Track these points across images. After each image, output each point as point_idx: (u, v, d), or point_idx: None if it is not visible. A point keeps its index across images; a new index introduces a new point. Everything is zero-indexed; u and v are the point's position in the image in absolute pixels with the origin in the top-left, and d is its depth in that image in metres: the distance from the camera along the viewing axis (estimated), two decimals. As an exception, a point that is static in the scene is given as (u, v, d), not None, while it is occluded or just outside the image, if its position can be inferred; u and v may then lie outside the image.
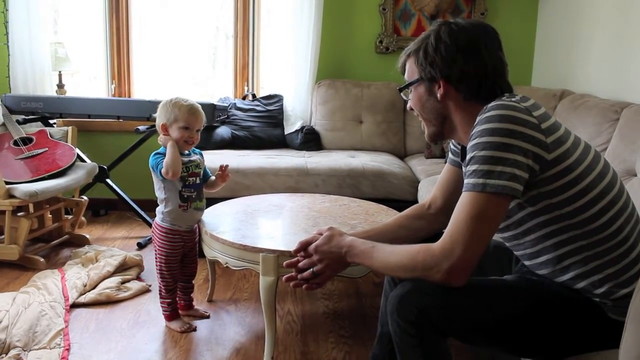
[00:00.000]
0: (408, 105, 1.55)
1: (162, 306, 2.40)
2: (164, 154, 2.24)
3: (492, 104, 1.30)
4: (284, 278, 1.57)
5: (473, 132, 1.30)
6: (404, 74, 1.54)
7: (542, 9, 4.02)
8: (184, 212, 2.31)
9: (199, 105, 2.31)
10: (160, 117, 2.29)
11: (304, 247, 1.55)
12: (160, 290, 2.39)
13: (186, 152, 2.32)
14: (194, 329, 2.38)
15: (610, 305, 1.31)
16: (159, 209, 2.34)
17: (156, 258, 2.37)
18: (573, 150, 1.29)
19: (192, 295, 2.52)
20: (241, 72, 4.21)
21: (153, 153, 2.28)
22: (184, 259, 2.42)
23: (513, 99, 1.31)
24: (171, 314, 2.40)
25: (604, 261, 1.30)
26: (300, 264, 1.54)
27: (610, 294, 1.30)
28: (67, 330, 2.31)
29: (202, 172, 2.38)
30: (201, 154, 2.43)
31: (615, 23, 3.02)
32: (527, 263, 1.44)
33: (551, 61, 3.85)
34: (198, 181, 2.34)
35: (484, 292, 1.34)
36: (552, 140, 1.27)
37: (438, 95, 1.43)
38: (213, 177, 2.43)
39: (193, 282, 2.51)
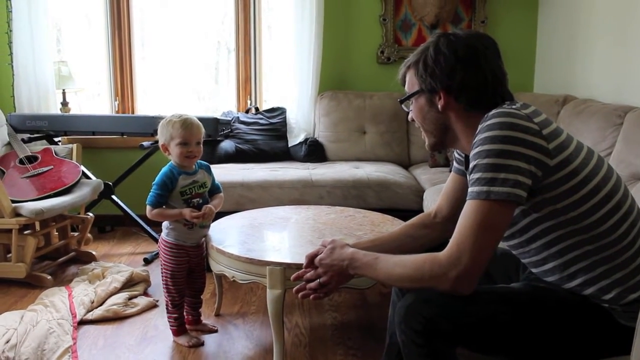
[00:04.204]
0: (409, 116, 1.55)
1: (169, 321, 2.40)
2: (168, 173, 2.25)
3: (493, 112, 1.31)
4: (294, 290, 1.57)
5: (475, 140, 1.30)
6: (404, 86, 1.55)
7: (542, 15, 4.03)
8: (188, 230, 2.31)
9: (194, 118, 2.29)
10: (160, 138, 2.29)
11: (311, 260, 1.56)
12: (167, 305, 2.38)
13: (190, 171, 2.30)
14: (202, 344, 2.37)
15: (620, 311, 1.30)
16: (165, 224, 2.34)
17: (162, 273, 2.36)
18: (576, 155, 1.29)
19: (200, 310, 2.51)
20: (244, 85, 4.23)
21: (164, 168, 2.28)
22: (191, 274, 2.41)
23: (514, 107, 1.32)
24: (178, 329, 2.39)
25: (611, 266, 1.30)
26: (306, 276, 1.55)
27: (620, 299, 1.30)
28: (75, 348, 2.31)
29: (207, 190, 2.37)
30: (208, 168, 2.42)
31: (616, 27, 3.02)
32: (534, 270, 1.43)
33: (553, 67, 3.86)
34: (202, 201, 2.33)
35: (492, 300, 1.33)
36: (554, 146, 1.27)
37: (439, 106, 1.43)
38: (220, 195, 2.44)
39: (201, 297, 2.50)
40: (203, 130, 2.32)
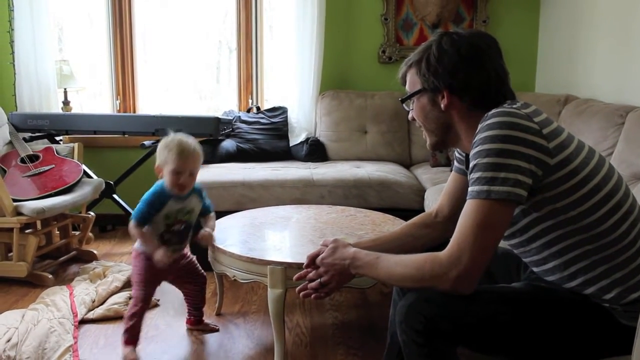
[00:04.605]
0: (410, 116, 1.55)
1: (125, 328, 2.24)
2: (159, 193, 2.18)
3: (493, 111, 1.30)
4: (297, 290, 1.57)
5: (475, 140, 1.30)
6: (404, 85, 1.54)
7: (544, 14, 4.02)
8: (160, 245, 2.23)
9: (194, 145, 2.18)
10: (157, 157, 2.19)
11: (312, 260, 1.56)
12: (129, 311, 2.25)
13: (182, 195, 2.21)
14: None
15: (621, 311, 1.30)
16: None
17: (132, 281, 2.28)
18: (576, 155, 1.29)
19: (202, 309, 2.51)
20: (245, 85, 4.23)
21: (155, 184, 2.21)
22: (177, 281, 2.41)
23: (514, 106, 1.32)
24: (130, 339, 2.23)
25: (611, 265, 1.30)
26: (308, 276, 1.55)
27: (620, 298, 1.30)
28: (76, 347, 2.31)
29: (193, 216, 2.30)
30: (200, 192, 2.32)
31: (618, 27, 3.01)
32: (535, 270, 1.43)
33: (554, 67, 3.85)
34: (183, 227, 2.26)
35: (493, 300, 1.33)
36: (554, 145, 1.27)
37: (442, 105, 1.43)
38: (212, 214, 2.38)
39: (204, 296, 2.49)
40: (201, 159, 2.22)
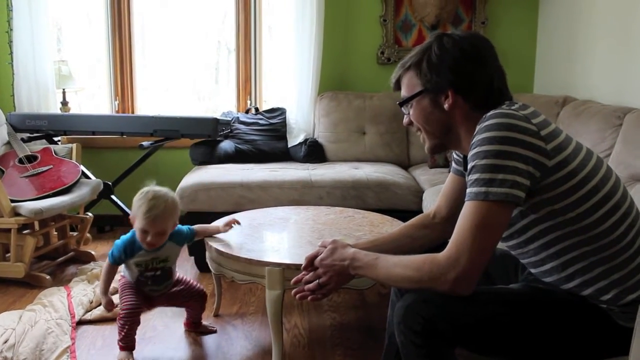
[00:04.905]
0: (405, 121, 1.53)
1: (119, 334, 2.20)
2: (129, 242, 2.17)
3: (491, 112, 1.31)
4: (292, 292, 1.57)
5: (473, 141, 1.30)
6: (397, 90, 1.53)
7: (543, 16, 4.03)
8: (139, 287, 2.26)
9: (166, 204, 2.12)
10: (132, 207, 2.16)
11: (311, 262, 1.55)
12: (118, 319, 2.21)
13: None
14: None
15: (618, 312, 1.30)
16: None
17: (119, 293, 2.28)
18: (574, 156, 1.29)
19: (201, 315, 2.50)
20: (244, 86, 4.23)
21: (130, 232, 2.20)
22: (173, 303, 2.41)
23: (512, 107, 1.32)
24: (126, 345, 2.21)
25: (609, 267, 1.30)
26: (305, 278, 1.54)
27: (618, 299, 1.30)
28: (73, 348, 2.31)
29: (169, 263, 2.27)
30: (177, 235, 2.26)
31: (616, 28, 3.02)
32: (533, 271, 1.43)
33: (553, 68, 3.86)
34: (160, 273, 2.25)
35: (491, 301, 1.33)
36: (552, 147, 1.27)
37: (446, 105, 1.42)
38: (196, 228, 2.34)
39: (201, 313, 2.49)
40: (175, 215, 2.18)
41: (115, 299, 2.32)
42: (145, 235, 2.13)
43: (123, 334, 2.19)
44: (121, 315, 2.20)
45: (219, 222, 2.41)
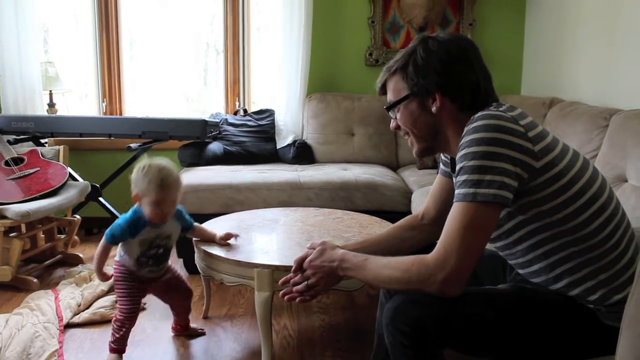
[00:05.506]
0: (393, 125, 1.52)
1: (112, 335, 2.21)
2: (134, 220, 2.11)
3: (479, 114, 1.31)
4: (280, 294, 1.57)
5: (461, 142, 1.31)
6: (383, 94, 1.52)
7: (530, 18, 4.05)
8: (136, 271, 2.22)
9: (173, 171, 2.11)
10: (134, 184, 2.12)
11: (300, 265, 1.55)
12: (114, 320, 2.21)
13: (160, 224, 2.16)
14: None
15: (605, 312, 1.32)
16: (119, 249, 2.22)
17: (117, 294, 2.24)
18: (561, 158, 1.30)
19: (188, 316, 2.48)
20: (232, 87, 4.22)
21: (134, 208, 2.15)
22: (161, 293, 2.39)
23: (500, 109, 1.33)
24: (118, 348, 2.21)
25: (596, 267, 1.31)
26: (293, 280, 1.54)
27: (604, 299, 1.31)
28: (61, 351, 2.29)
29: (172, 241, 2.25)
30: (180, 214, 2.26)
31: (603, 30, 3.04)
32: (520, 272, 1.44)
33: (540, 70, 3.88)
34: (162, 251, 2.22)
35: (479, 302, 1.34)
36: (539, 148, 1.28)
37: (433, 108, 1.42)
38: (195, 224, 2.32)
39: (190, 305, 2.47)
40: (182, 184, 2.16)
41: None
42: (158, 207, 2.07)
43: (118, 335, 2.17)
44: (120, 317, 2.18)
45: (218, 232, 2.32)
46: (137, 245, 2.17)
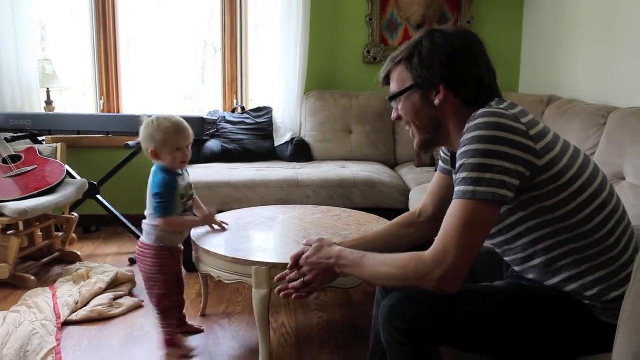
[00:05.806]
0: (394, 115, 1.52)
1: (164, 330, 2.28)
2: (169, 179, 2.15)
3: (481, 111, 1.31)
4: (276, 290, 1.56)
5: (462, 139, 1.30)
6: (386, 85, 1.52)
7: (528, 15, 4.05)
8: (179, 233, 2.27)
9: (183, 120, 2.20)
10: (146, 142, 2.16)
11: (296, 261, 1.55)
12: (160, 313, 2.26)
13: (182, 173, 2.22)
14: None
15: (600, 308, 1.32)
16: (151, 229, 2.20)
17: (151, 280, 2.23)
18: (563, 155, 1.30)
19: (184, 311, 2.49)
20: (230, 85, 4.22)
21: (155, 173, 2.17)
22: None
23: (501, 106, 1.32)
24: (174, 338, 2.29)
25: (595, 264, 1.31)
26: (289, 277, 1.54)
27: (601, 296, 1.31)
28: (59, 349, 2.29)
29: (193, 190, 2.31)
30: (187, 171, 2.32)
31: (601, 28, 3.04)
32: (517, 268, 1.44)
33: (538, 67, 3.89)
34: (191, 202, 2.28)
35: (475, 299, 1.34)
36: (541, 146, 1.27)
37: (436, 101, 1.41)
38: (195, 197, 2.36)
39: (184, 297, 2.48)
40: (192, 131, 2.24)
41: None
42: (180, 153, 2.15)
43: (168, 324, 2.25)
44: (159, 304, 2.22)
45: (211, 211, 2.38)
46: (179, 200, 2.20)
